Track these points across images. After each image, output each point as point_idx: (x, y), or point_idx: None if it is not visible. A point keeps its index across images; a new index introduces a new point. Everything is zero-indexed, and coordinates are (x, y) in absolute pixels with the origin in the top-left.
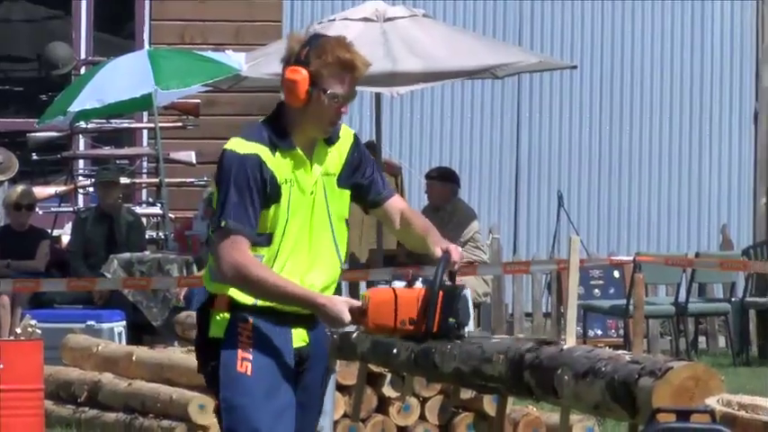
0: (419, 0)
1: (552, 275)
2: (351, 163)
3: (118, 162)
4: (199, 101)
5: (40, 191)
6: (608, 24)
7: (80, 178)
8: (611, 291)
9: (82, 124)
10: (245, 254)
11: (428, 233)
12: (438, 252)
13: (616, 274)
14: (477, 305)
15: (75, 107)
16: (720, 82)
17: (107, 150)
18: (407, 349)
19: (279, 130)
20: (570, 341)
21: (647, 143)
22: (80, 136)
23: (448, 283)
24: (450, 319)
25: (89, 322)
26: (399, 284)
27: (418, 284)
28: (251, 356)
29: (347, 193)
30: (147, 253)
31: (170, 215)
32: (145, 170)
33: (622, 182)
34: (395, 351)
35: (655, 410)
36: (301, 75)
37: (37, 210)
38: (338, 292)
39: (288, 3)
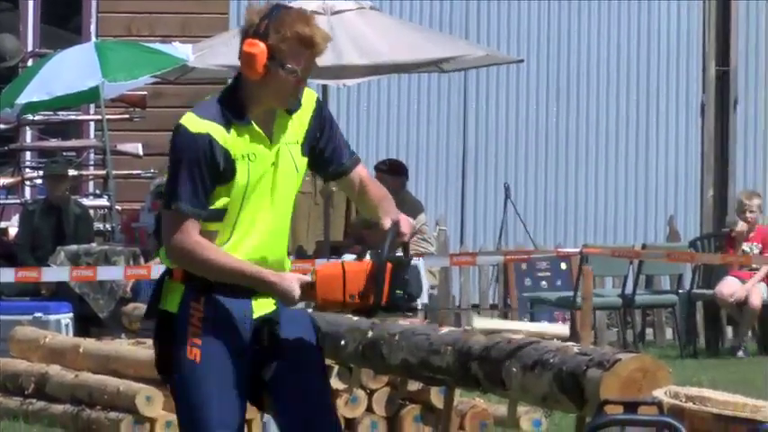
0: None
1: (499, 267)
2: (313, 128)
3: (65, 154)
4: (146, 93)
5: None
6: (554, 18)
7: (27, 170)
8: (558, 282)
9: (29, 116)
10: (191, 236)
11: (381, 202)
12: (387, 223)
13: (563, 265)
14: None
15: (23, 99)
16: (667, 74)
17: (54, 142)
18: (355, 341)
19: (235, 104)
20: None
21: (593, 136)
22: (27, 128)
23: (399, 254)
24: (398, 291)
25: (36, 314)
26: (350, 258)
27: (367, 258)
28: (200, 342)
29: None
30: (93, 245)
31: (117, 207)
32: (92, 162)
33: (569, 174)
34: (342, 343)
35: (602, 402)
36: (259, 48)
37: None
38: None
39: None
